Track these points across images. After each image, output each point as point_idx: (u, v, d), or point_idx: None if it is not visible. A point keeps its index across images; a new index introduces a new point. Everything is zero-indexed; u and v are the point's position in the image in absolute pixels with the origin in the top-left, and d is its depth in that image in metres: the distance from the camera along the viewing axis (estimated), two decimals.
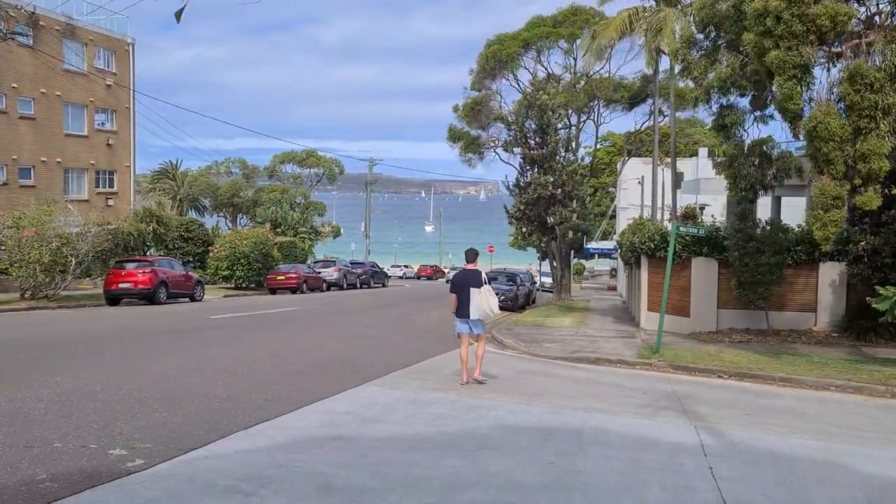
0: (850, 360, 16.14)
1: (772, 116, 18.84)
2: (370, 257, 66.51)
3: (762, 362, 15.67)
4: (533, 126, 29.87)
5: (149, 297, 26.79)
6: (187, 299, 29.46)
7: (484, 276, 12.17)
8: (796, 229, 20.19)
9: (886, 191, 16.44)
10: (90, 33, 38.41)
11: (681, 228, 17.26)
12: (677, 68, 21.97)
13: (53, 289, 25.88)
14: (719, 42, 19.01)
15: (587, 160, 38.34)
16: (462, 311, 11.91)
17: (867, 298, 16.52)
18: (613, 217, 65.79)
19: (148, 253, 36.95)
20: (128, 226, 29.45)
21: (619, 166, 54.14)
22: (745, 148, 19.52)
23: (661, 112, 35.40)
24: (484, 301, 11.84)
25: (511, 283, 33.07)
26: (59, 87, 36.19)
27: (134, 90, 41.60)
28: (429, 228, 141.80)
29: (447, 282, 42.70)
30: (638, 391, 12.49)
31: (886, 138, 13.90)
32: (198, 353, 13.42)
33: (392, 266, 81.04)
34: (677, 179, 31.98)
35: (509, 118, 31.00)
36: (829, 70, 15.91)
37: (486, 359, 12.95)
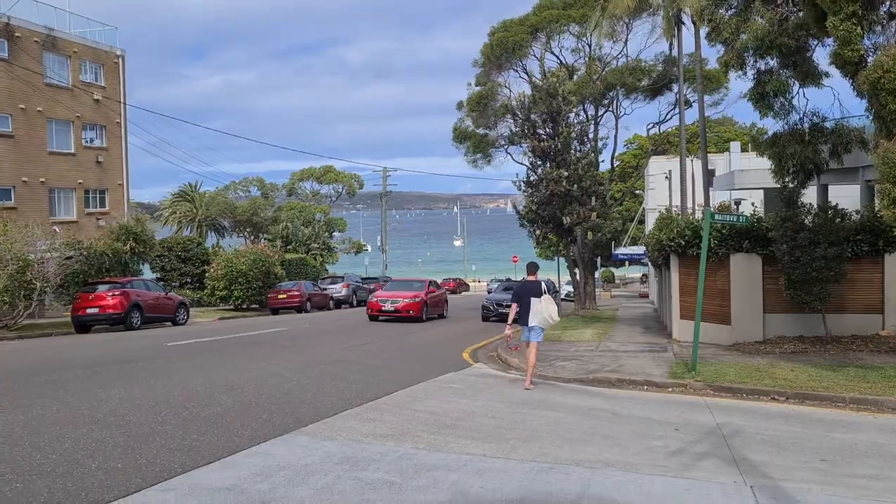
0: None
1: (824, 76, 15.59)
2: (387, 272, 63.67)
3: (826, 379, 12.48)
4: (542, 115, 26.76)
5: (120, 322, 24.14)
6: (169, 323, 26.78)
7: (544, 285, 12.97)
8: (854, 216, 16.91)
9: None
10: (74, 45, 36.26)
11: (716, 217, 14.10)
12: (703, 32, 18.83)
13: (14, 317, 23.37)
14: None
15: (604, 160, 34.86)
16: (522, 318, 12.60)
17: None
18: (643, 223, 62.34)
19: (140, 274, 34.50)
20: (102, 245, 26.92)
21: (645, 167, 50.67)
22: (792, 121, 16.32)
23: (687, 101, 32.10)
24: (544, 309, 12.51)
25: None
26: (40, 102, 33.98)
27: (125, 104, 39.41)
28: (457, 243, 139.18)
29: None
30: (669, 427, 9.36)
31: None
32: (95, 394, 10.55)
33: None
34: (708, 173, 28.74)
35: (516, 108, 27.90)
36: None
37: (477, 386, 12.17)
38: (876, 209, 19.03)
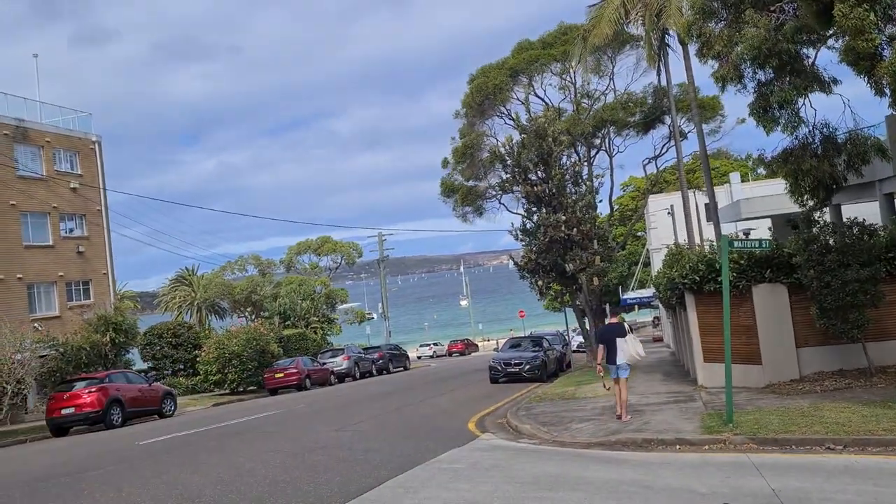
0: None
1: (832, 83, 14.21)
2: (392, 339, 61.76)
3: (884, 419, 10.80)
4: (533, 158, 25.39)
5: (99, 421, 22.28)
6: (156, 416, 24.91)
7: (627, 326, 14.35)
8: (881, 232, 15.34)
9: None
10: (47, 135, 35.28)
11: (735, 244, 12.53)
12: (693, 50, 17.57)
13: None
14: (742, 5, 14.65)
15: (601, 199, 33.37)
16: (610, 357, 13.69)
17: None
18: (648, 265, 60.78)
19: (130, 365, 32.82)
20: (79, 339, 25.29)
21: (644, 206, 49.25)
22: (801, 135, 14.88)
23: (682, 133, 30.88)
24: (630, 348, 13.70)
25: (537, 348, 28.09)
26: (12, 195, 32.79)
27: (105, 190, 38.30)
28: (463, 303, 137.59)
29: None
30: (715, 501, 7.62)
31: None
32: None
33: (421, 346, 75.93)
34: (715, 204, 27.26)
35: (505, 153, 26.56)
36: None
37: (483, 464, 10.77)
38: None
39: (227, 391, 35.20)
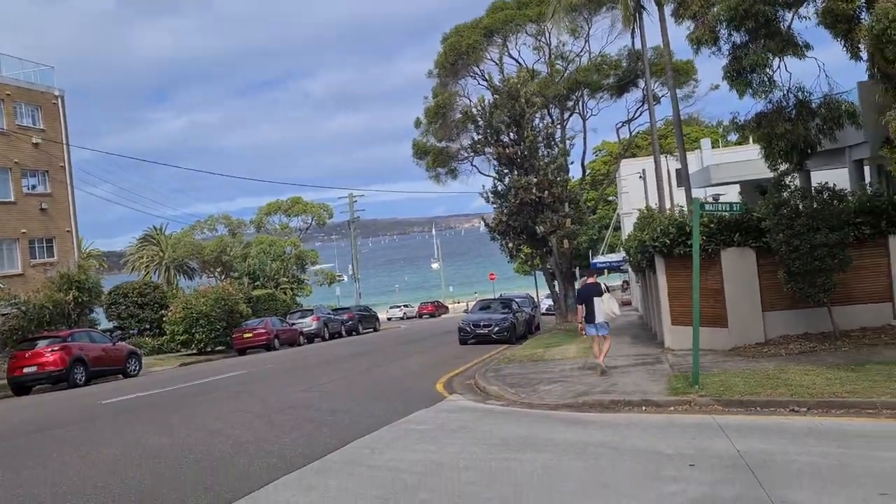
0: None
1: (806, 48, 14.11)
2: (362, 301, 61.60)
3: (847, 381, 10.88)
4: (505, 119, 25.09)
5: (62, 380, 21.93)
6: (120, 375, 24.58)
7: (603, 286, 15.32)
8: (850, 197, 15.39)
9: None
10: (7, 87, 34.14)
11: (706, 207, 12.48)
12: (668, 11, 17.34)
13: None
14: None
15: (573, 161, 33.06)
16: (590, 317, 14.34)
17: None
18: (618, 229, 61.05)
19: (95, 325, 32.34)
20: (42, 297, 24.75)
21: (616, 171, 49.22)
22: (775, 99, 14.82)
23: (655, 97, 30.70)
24: (607, 306, 14.36)
25: (506, 310, 28.12)
26: None
27: (68, 146, 37.31)
28: (434, 265, 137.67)
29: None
30: (682, 462, 7.61)
31: None
32: None
33: (391, 307, 75.88)
34: (686, 169, 27.22)
35: (477, 114, 26.20)
36: None
37: (450, 425, 10.58)
38: (870, 188, 17.62)
39: (195, 351, 34.88)
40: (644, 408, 11.24)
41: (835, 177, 23.77)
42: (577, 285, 53.93)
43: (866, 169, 21.11)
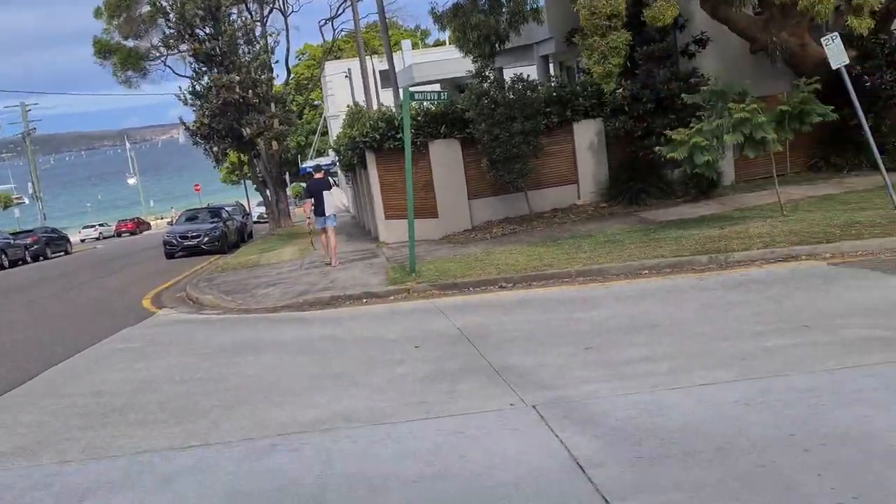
0: (639, 230, 12.92)
1: None
2: (49, 223, 54.95)
3: (545, 257, 11.81)
4: (199, 12, 22.98)
5: None
6: None
7: (331, 181, 16.52)
8: (541, 88, 16.44)
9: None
10: None
11: (416, 96, 12.49)
12: None
13: None
14: None
15: (277, 61, 31.57)
16: (319, 210, 14.73)
17: (656, 149, 13.19)
18: (326, 134, 60.63)
19: None
20: None
21: (322, 73, 48.26)
22: None
23: None
24: (336, 199, 15.54)
25: (216, 219, 26.66)
26: None
27: None
28: (131, 181, 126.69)
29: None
30: (407, 345, 7.67)
31: None
32: None
33: (84, 227, 68.67)
34: (393, 69, 27.33)
35: (167, 6, 23.67)
36: None
37: (161, 339, 9.88)
38: (555, 80, 19.03)
39: None
40: (365, 300, 11.25)
41: (525, 73, 25.50)
42: (289, 192, 53.14)
43: (551, 66, 22.78)
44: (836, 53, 11.00)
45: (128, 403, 6.59)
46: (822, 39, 11.23)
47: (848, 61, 11.21)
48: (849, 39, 11.63)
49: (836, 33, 11.18)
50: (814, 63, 14.73)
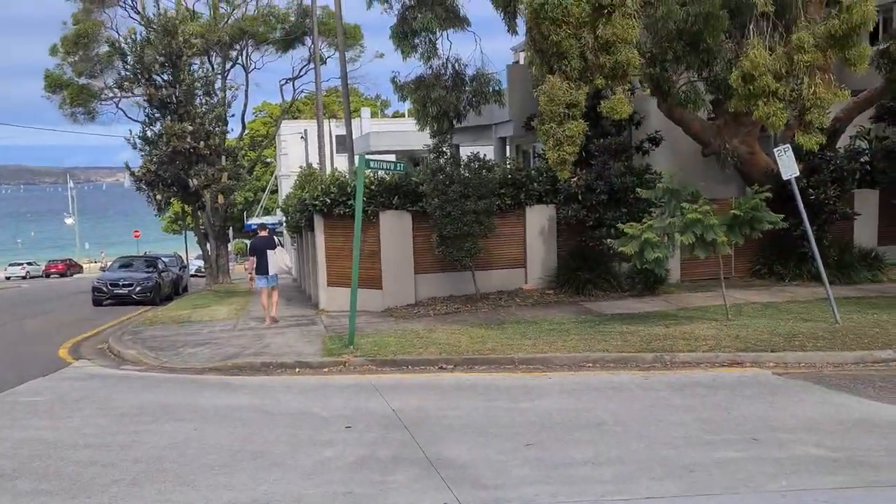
0: (585, 321, 12.77)
1: (466, 23, 14.66)
2: None
3: (489, 340, 11.54)
4: (159, 58, 22.63)
5: None
6: None
7: (276, 240, 16.11)
8: (497, 168, 16.46)
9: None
10: None
11: (372, 164, 12.26)
12: None
13: None
14: None
15: (234, 115, 31.35)
16: (262, 269, 14.68)
17: (607, 241, 13.18)
18: (275, 192, 60.17)
19: None
20: None
21: (277, 131, 48.17)
22: (436, 66, 15.22)
23: (322, 59, 30.24)
24: (279, 259, 14.78)
25: (150, 268, 25.73)
26: None
27: None
28: (69, 221, 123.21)
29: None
30: (338, 425, 7.19)
31: (634, 19, 10.14)
32: None
33: (11, 265, 65.96)
34: (351, 133, 27.32)
35: (127, 49, 23.24)
36: None
37: (71, 395, 9.06)
38: (511, 163, 19.14)
39: None
40: (298, 370, 10.75)
41: (482, 153, 25.73)
42: (231, 247, 52.06)
43: (508, 148, 23.04)
44: (788, 165, 11.24)
45: (19, 469, 5.92)
46: (774, 150, 11.49)
47: (798, 173, 11.47)
48: (797, 153, 11.93)
49: (788, 145, 11.46)
50: (762, 172, 15.14)
